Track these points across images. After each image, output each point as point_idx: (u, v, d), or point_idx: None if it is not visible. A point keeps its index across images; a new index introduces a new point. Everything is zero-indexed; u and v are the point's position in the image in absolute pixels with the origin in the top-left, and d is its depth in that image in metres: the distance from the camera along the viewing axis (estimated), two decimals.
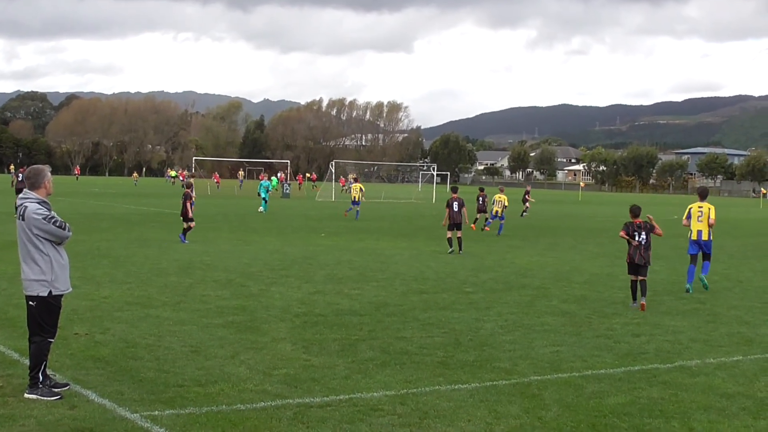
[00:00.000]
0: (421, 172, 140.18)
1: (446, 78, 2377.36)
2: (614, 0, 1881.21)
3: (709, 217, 19.46)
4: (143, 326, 13.39)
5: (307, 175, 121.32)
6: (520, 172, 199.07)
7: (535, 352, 12.23)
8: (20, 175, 42.41)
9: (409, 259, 24.79)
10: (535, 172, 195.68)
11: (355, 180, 52.48)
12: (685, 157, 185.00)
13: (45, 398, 9.14)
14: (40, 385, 9.28)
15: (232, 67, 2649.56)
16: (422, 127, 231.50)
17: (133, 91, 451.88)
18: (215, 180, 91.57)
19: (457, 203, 26.93)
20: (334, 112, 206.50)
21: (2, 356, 11.10)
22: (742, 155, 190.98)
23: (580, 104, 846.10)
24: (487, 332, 13.71)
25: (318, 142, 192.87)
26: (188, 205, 28.24)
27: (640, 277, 16.87)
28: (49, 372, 9.53)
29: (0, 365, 10.58)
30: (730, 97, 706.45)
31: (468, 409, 9.22)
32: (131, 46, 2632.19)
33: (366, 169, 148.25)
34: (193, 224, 28.37)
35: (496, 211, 36.54)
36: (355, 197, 46.30)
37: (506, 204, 36.64)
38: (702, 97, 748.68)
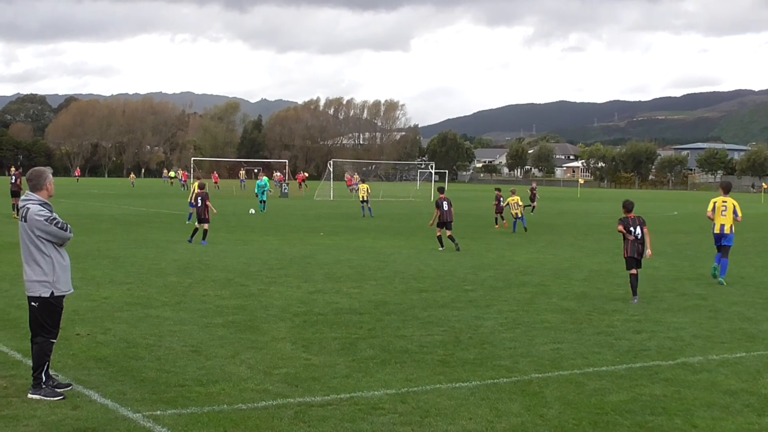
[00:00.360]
0: (419, 171, 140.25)
1: (443, 76, 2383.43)
2: None
3: (734, 212, 20.13)
4: (144, 326, 13.40)
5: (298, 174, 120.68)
6: (519, 170, 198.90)
7: (536, 350, 12.23)
8: (14, 177, 42.15)
9: (407, 257, 24.79)
10: (533, 169, 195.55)
11: (362, 181, 53.40)
12: (685, 152, 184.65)
13: (48, 398, 9.16)
14: (43, 386, 9.30)
15: (230, 68, 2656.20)
16: (420, 126, 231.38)
17: (131, 92, 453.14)
18: (214, 180, 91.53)
19: (446, 203, 27.58)
20: (331, 112, 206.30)
21: (5, 357, 11.11)
22: (742, 150, 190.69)
23: (578, 101, 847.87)
24: (488, 330, 13.71)
25: (316, 142, 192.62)
26: (208, 204, 28.28)
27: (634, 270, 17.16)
28: (51, 372, 9.55)
29: (3, 366, 10.60)
30: (729, 91, 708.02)
31: (469, 407, 9.22)
32: (129, 48, 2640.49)
33: (364, 168, 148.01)
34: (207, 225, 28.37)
35: (515, 214, 36.53)
36: (363, 197, 46.99)
37: (521, 203, 36.79)
38: (701, 92, 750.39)
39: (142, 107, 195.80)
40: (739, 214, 20.22)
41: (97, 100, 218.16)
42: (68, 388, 9.52)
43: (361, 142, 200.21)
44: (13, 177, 41.97)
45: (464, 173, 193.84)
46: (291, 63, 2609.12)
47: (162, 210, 49.00)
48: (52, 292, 9.35)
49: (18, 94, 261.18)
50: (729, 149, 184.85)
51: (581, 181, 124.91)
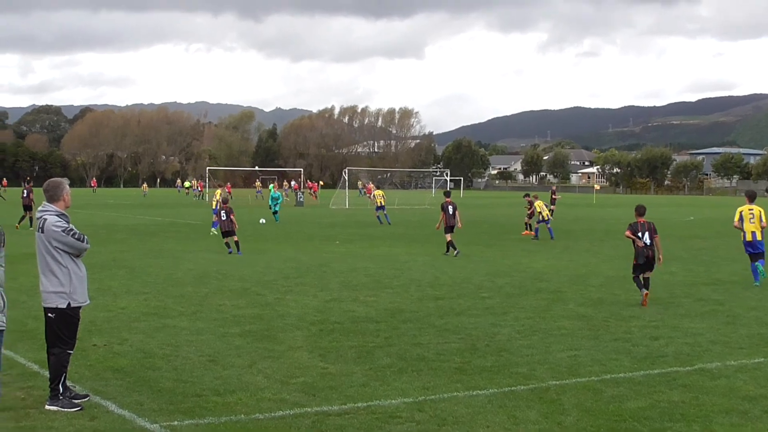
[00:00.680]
0: (434, 178, 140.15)
1: (457, 83, 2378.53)
2: (625, 1, 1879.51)
3: (761, 219, 20.54)
4: (160, 336, 13.43)
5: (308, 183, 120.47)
6: (534, 176, 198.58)
7: (553, 357, 12.20)
8: (25, 191, 41.99)
9: (423, 264, 24.77)
10: (548, 176, 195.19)
11: (377, 187, 54.21)
12: (700, 157, 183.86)
13: (65, 410, 9.18)
14: (61, 397, 9.32)
15: (244, 77, 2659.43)
16: (434, 133, 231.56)
17: (146, 102, 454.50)
18: (227, 190, 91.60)
19: (451, 207, 28.07)
20: (345, 120, 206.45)
21: (22, 368, 11.15)
22: (758, 154, 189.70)
23: (593, 106, 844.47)
24: (504, 337, 13.68)
25: (330, 150, 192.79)
26: (232, 218, 28.48)
27: (646, 274, 17.38)
28: (68, 383, 9.58)
29: (20, 377, 10.63)
30: (744, 96, 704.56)
31: (486, 415, 9.19)
32: (144, 58, 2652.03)
33: (379, 176, 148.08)
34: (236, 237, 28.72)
35: (544, 216, 36.30)
36: (380, 202, 47.24)
37: (545, 208, 36.62)
38: (716, 97, 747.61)
39: (157, 117, 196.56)
40: (765, 220, 20.51)
41: (112, 111, 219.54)
42: (85, 399, 9.55)
43: (375, 150, 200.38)
44: (25, 191, 41.95)
45: (479, 180, 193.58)
46: (305, 72, 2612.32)
47: (177, 219, 49.15)
48: (69, 303, 9.38)
49: (34, 105, 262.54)
50: (744, 153, 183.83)
51: (597, 187, 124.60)
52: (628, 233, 17.45)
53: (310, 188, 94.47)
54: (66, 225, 9.34)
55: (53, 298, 9.36)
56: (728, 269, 24.05)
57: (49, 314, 9.42)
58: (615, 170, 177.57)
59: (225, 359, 11.84)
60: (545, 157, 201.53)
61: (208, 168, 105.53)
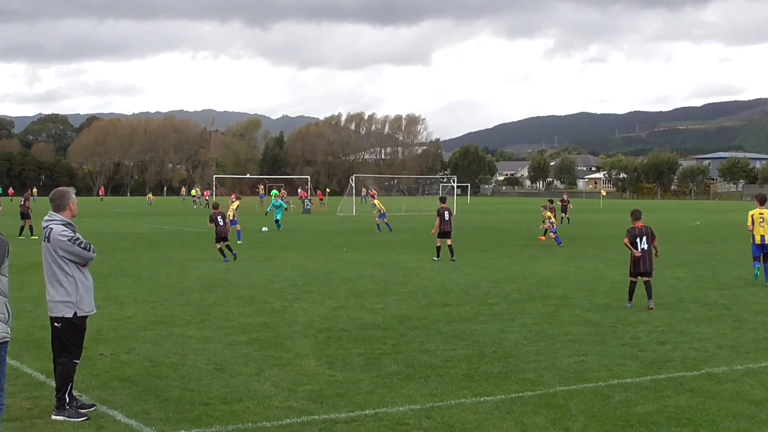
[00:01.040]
0: (441, 185, 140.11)
1: (464, 89, 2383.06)
2: (631, 7, 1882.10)
3: None
4: (168, 345, 13.44)
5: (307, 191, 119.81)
6: (541, 182, 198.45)
7: (560, 363, 12.18)
8: (23, 199, 42.39)
9: (430, 271, 24.76)
10: (555, 182, 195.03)
11: (373, 197, 54.96)
12: (706, 162, 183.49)
13: (72, 419, 9.18)
14: (67, 407, 9.33)
15: (251, 85, 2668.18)
16: (441, 139, 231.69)
17: (152, 110, 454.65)
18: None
19: (447, 213, 28.12)
20: (352, 127, 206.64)
21: (29, 378, 11.16)
22: (764, 159, 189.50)
23: (599, 112, 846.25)
24: (512, 343, 13.66)
25: (338, 157, 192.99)
26: (227, 221, 29.43)
27: (645, 278, 17.49)
28: (75, 393, 9.59)
29: (26, 387, 10.64)
30: (750, 100, 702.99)
31: (494, 422, 9.18)
32: (150, 67, 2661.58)
33: (386, 183, 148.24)
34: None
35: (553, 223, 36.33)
36: (381, 210, 47.04)
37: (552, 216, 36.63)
38: (722, 102, 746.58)
39: (164, 125, 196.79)
40: None
41: (118, 119, 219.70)
42: (92, 409, 9.55)
43: (383, 156, 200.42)
44: (23, 199, 42.26)
45: (486, 186, 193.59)
46: (312, 79, 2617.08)
47: (184, 228, 49.19)
48: (75, 313, 9.39)
49: (40, 114, 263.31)
50: (751, 158, 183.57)
51: (604, 192, 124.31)
52: (626, 241, 17.61)
53: (321, 197, 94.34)
54: (72, 234, 9.36)
55: (60, 307, 9.37)
56: (735, 274, 24.01)
57: (56, 323, 9.43)
58: (622, 175, 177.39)
59: (232, 367, 11.84)
60: (552, 163, 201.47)
61: (215, 176, 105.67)
